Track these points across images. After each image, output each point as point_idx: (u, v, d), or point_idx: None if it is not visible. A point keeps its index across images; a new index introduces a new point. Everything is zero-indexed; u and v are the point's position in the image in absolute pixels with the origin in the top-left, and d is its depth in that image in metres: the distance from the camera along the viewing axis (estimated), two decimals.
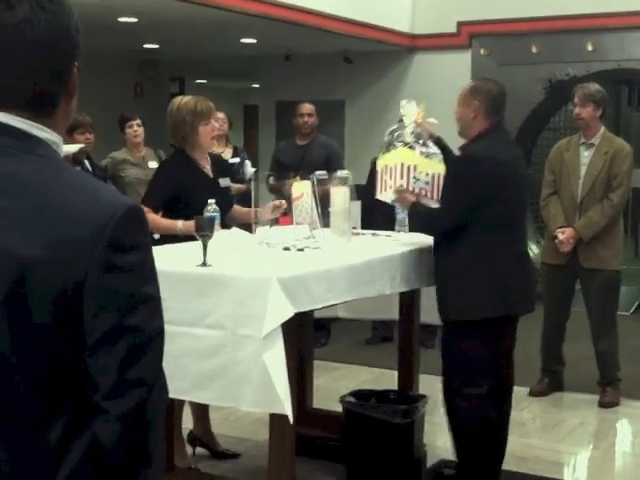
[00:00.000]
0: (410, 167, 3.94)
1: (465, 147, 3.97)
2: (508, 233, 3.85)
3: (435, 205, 3.99)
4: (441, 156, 4.05)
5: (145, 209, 3.98)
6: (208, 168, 4.33)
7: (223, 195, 4.15)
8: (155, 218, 4.01)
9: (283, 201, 4.41)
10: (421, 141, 4.01)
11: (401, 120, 4.11)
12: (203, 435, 4.45)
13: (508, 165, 3.89)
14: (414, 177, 3.94)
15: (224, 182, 4.40)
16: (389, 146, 4.04)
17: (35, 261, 1.27)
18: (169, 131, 4.29)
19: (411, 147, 3.99)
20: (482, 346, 3.80)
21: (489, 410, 3.86)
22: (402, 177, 3.94)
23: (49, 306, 1.27)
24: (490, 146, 3.84)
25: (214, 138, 4.36)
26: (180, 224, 3.96)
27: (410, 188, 3.94)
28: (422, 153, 4.00)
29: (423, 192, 3.98)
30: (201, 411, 4.41)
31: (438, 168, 4.03)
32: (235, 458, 4.44)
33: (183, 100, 4.26)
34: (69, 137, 5.77)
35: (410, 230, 4.19)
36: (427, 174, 3.99)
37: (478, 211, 3.73)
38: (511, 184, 3.87)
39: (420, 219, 3.99)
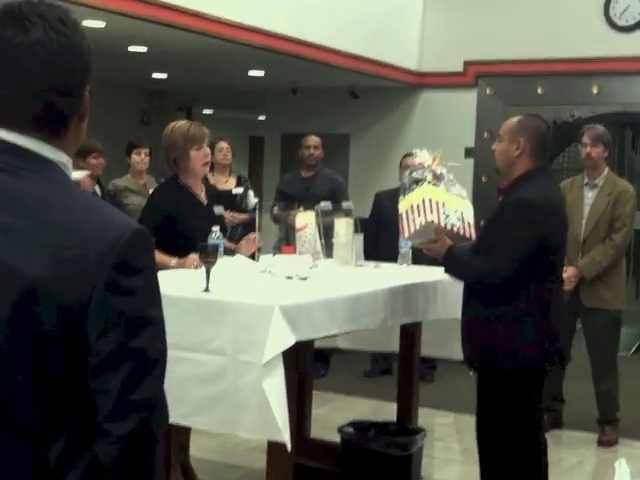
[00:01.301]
0: (438, 203, 3.72)
1: (511, 188, 3.72)
2: (556, 281, 3.73)
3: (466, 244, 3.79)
4: (466, 195, 3.90)
5: None
6: (202, 195, 4.31)
7: (217, 223, 4.12)
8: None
9: (254, 235, 4.32)
10: (444, 180, 3.82)
11: (403, 165, 4.00)
12: (181, 467, 4.25)
13: (561, 208, 3.78)
14: (444, 213, 3.72)
15: (218, 210, 4.40)
16: (411, 186, 3.82)
17: (41, 280, 1.28)
18: (163, 155, 4.27)
19: (435, 185, 3.79)
20: (526, 394, 3.69)
21: (543, 458, 3.78)
22: (432, 212, 3.70)
23: (53, 325, 1.28)
24: (543, 189, 3.63)
25: (206, 164, 4.28)
26: (174, 261, 3.90)
27: (442, 224, 3.70)
28: (449, 191, 3.80)
29: (455, 229, 3.76)
30: (182, 442, 4.27)
31: (465, 206, 3.85)
32: None
33: (177, 124, 4.26)
34: (83, 161, 5.89)
35: (451, 275, 3.84)
36: (456, 211, 3.78)
37: (540, 256, 3.54)
38: (563, 227, 3.77)
39: (463, 265, 3.70)
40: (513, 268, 3.51)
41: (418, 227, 3.71)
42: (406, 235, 3.82)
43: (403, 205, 3.83)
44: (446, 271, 3.79)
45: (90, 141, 5.87)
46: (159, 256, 3.90)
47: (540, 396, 3.77)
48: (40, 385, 1.30)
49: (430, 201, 3.72)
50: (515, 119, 3.80)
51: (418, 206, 3.73)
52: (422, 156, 3.94)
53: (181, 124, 4.25)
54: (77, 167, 5.92)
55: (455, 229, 3.76)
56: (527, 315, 3.57)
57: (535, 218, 3.54)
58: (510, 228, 3.56)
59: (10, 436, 1.31)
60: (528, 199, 3.58)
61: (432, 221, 3.69)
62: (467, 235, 3.80)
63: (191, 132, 4.16)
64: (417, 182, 3.83)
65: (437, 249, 3.71)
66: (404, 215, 3.79)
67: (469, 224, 3.83)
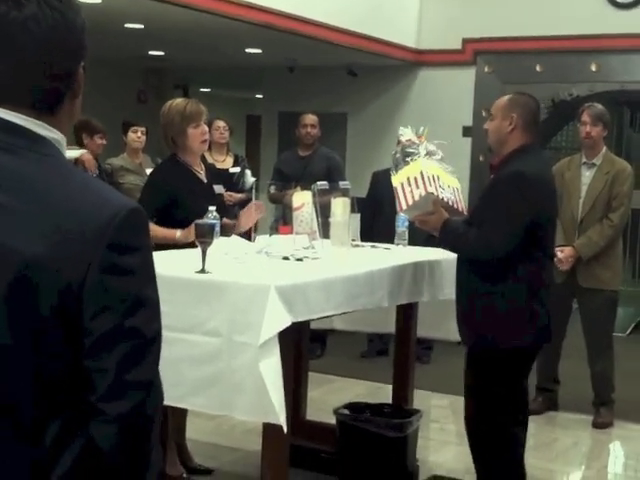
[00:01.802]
0: (434, 176, 3.75)
1: (503, 163, 3.74)
2: (549, 258, 3.75)
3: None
4: (453, 172, 3.93)
5: None
6: (202, 173, 4.29)
7: (217, 201, 4.10)
8: (152, 227, 3.91)
9: (253, 204, 4.30)
10: (436, 156, 3.86)
11: (399, 142, 4.01)
12: (177, 449, 4.26)
13: (552, 182, 3.83)
14: (440, 187, 3.74)
15: (218, 189, 4.37)
16: (405, 160, 3.81)
17: (37, 259, 1.27)
18: (161, 134, 4.25)
19: (429, 160, 3.82)
20: (519, 373, 3.72)
21: (520, 433, 3.76)
22: (431, 185, 3.70)
23: (50, 304, 1.28)
24: (535, 163, 3.68)
25: (205, 142, 4.25)
26: (179, 233, 3.89)
27: (440, 196, 3.72)
28: (440, 167, 3.84)
29: (451, 202, 3.79)
30: (178, 424, 4.28)
31: (455, 183, 3.90)
32: (208, 474, 4.32)
33: (174, 102, 4.22)
34: (89, 139, 5.92)
35: (446, 249, 3.88)
36: (449, 186, 3.82)
37: (531, 231, 3.55)
38: (554, 202, 3.81)
39: (460, 239, 3.68)
40: (508, 243, 3.52)
41: (417, 198, 3.69)
42: (403, 207, 3.78)
43: (397, 179, 3.82)
44: (441, 244, 3.81)
45: (95, 121, 5.95)
46: (163, 231, 3.91)
47: (526, 377, 3.78)
48: (36, 364, 1.29)
49: (426, 174, 3.73)
50: (506, 97, 3.84)
51: (415, 178, 3.72)
52: (407, 134, 3.95)
53: (178, 102, 4.22)
54: (83, 145, 5.91)
55: (451, 202, 3.78)
56: (517, 292, 3.57)
57: (529, 192, 3.55)
58: (505, 201, 3.56)
59: (5, 417, 1.30)
60: (523, 171, 3.59)
61: (432, 193, 3.69)
62: (460, 209, 3.84)
63: (188, 110, 4.13)
64: (409, 156, 3.82)
65: (434, 221, 3.72)
66: (399, 188, 3.77)
67: (460, 199, 3.87)
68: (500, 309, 3.59)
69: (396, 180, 3.83)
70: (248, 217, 4.26)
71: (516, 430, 3.73)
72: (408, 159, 3.82)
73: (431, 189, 3.69)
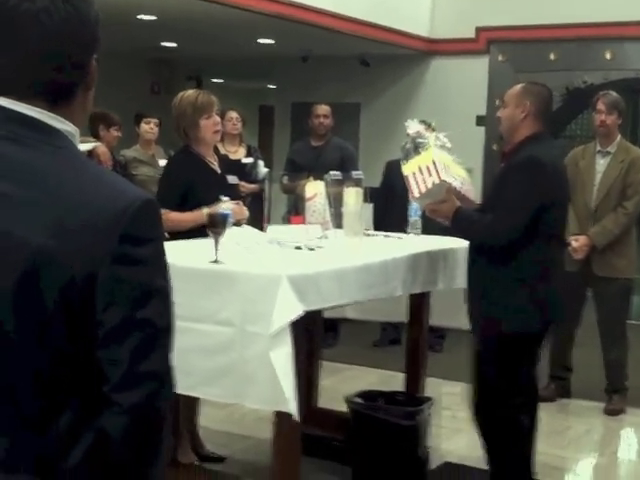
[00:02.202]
0: (445, 166, 3.77)
1: (515, 151, 3.77)
2: (558, 243, 3.79)
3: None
4: (462, 163, 3.96)
5: (164, 211, 3.98)
6: (215, 164, 4.29)
7: (231, 192, 4.11)
8: (178, 215, 3.95)
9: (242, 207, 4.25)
10: (445, 147, 3.88)
11: (408, 135, 4.03)
12: (189, 437, 4.29)
13: (563, 169, 3.86)
14: (452, 176, 3.78)
15: (232, 179, 4.38)
16: (417, 149, 3.86)
17: (48, 250, 1.28)
18: (173, 126, 4.25)
19: (440, 150, 3.85)
20: (526, 358, 3.74)
21: (525, 419, 3.78)
22: (444, 173, 3.72)
23: (59, 295, 1.28)
24: (546, 150, 3.72)
25: (217, 132, 4.25)
26: (205, 210, 3.78)
27: (453, 185, 3.75)
28: (449, 158, 3.88)
29: (463, 192, 3.81)
30: (190, 412, 4.30)
31: (463, 174, 3.93)
32: (220, 462, 4.35)
33: (186, 94, 4.23)
34: (106, 131, 5.95)
35: (458, 236, 3.96)
36: (459, 176, 3.86)
37: (542, 215, 3.58)
38: (565, 189, 3.84)
39: (473, 225, 3.73)
40: (517, 229, 3.56)
41: (430, 186, 3.71)
42: (416, 195, 3.80)
43: (408, 168, 3.84)
44: (453, 231, 3.87)
45: (111, 114, 5.99)
46: (190, 215, 3.90)
47: (534, 364, 3.80)
48: (48, 355, 1.30)
49: (438, 163, 3.75)
50: (519, 85, 3.88)
51: (428, 167, 3.74)
52: (413, 126, 3.98)
53: (189, 93, 4.22)
54: (98, 137, 5.94)
55: (462, 192, 3.81)
56: (525, 276, 3.60)
57: (541, 177, 3.59)
58: (518, 187, 3.59)
59: (16, 408, 1.31)
60: (536, 157, 3.64)
61: (445, 181, 3.71)
62: (470, 199, 3.87)
63: (199, 101, 4.14)
64: (421, 146, 3.86)
65: (446, 209, 3.74)
66: (411, 177, 3.79)
67: (469, 189, 3.90)
68: (507, 293, 3.61)
69: (407, 169, 3.84)
70: (238, 212, 4.17)
71: (523, 416, 3.74)
72: (419, 149, 3.84)
73: (445, 177, 3.72)
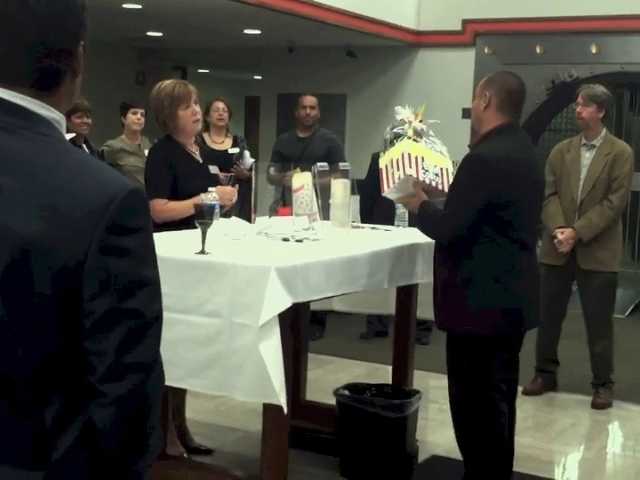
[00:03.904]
0: (417, 158, 3.72)
1: (475, 145, 3.74)
2: (521, 240, 3.59)
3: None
4: (446, 152, 3.90)
5: (162, 201, 3.95)
6: (197, 154, 4.27)
7: (212, 182, 4.08)
8: (177, 204, 3.93)
9: (231, 189, 4.18)
10: (425, 136, 3.84)
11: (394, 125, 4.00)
12: (177, 429, 4.25)
13: (522, 165, 3.60)
14: (423, 168, 3.72)
15: (213, 169, 4.36)
16: (392, 141, 3.85)
17: (35, 239, 1.27)
18: (153, 117, 4.22)
19: (415, 140, 3.80)
20: (489, 358, 3.62)
21: (502, 413, 3.68)
22: (411, 166, 3.70)
23: (48, 285, 1.27)
24: (502, 145, 3.56)
25: (197, 122, 4.20)
26: (202, 195, 3.67)
27: (420, 178, 3.71)
28: (428, 146, 3.81)
29: (434, 184, 3.76)
30: (178, 404, 4.28)
31: (445, 163, 3.85)
32: (208, 454, 4.32)
33: (162, 85, 4.19)
34: (67, 120, 5.79)
35: (420, 231, 3.85)
36: (435, 166, 3.78)
37: (491, 214, 3.48)
38: (526, 186, 3.59)
39: (428, 220, 3.69)
40: (460, 226, 3.50)
41: (397, 180, 3.72)
42: (385, 189, 3.82)
43: (383, 160, 3.84)
44: (418, 227, 3.79)
45: (76, 99, 5.80)
46: (188, 202, 3.76)
47: (501, 361, 3.67)
48: (33, 345, 1.29)
49: (409, 155, 3.73)
50: (487, 76, 3.78)
51: (397, 160, 3.74)
52: (404, 113, 3.93)
53: (166, 84, 4.19)
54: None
55: (434, 184, 3.76)
56: (474, 277, 3.52)
57: (484, 172, 3.48)
58: (461, 184, 3.56)
59: (4, 398, 1.30)
60: (478, 155, 3.56)
61: (410, 175, 3.69)
62: (445, 190, 3.79)
63: (176, 92, 4.11)
64: (397, 137, 3.83)
65: (413, 203, 3.73)
66: (384, 170, 3.80)
67: (448, 180, 3.81)
68: (457, 294, 3.57)
69: (382, 162, 3.86)
70: (222, 193, 4.12)
71: (499, 409, 3.66)
72: (395, 141, 3.83)
73: (410, 171, 3.69)
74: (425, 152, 3.78)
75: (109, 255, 1.29)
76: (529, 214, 3.67)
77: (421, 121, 3.92)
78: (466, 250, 3.54)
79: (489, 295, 3.53)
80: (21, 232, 1.26)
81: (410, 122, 3.88)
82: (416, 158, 3.72)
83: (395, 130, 3.88)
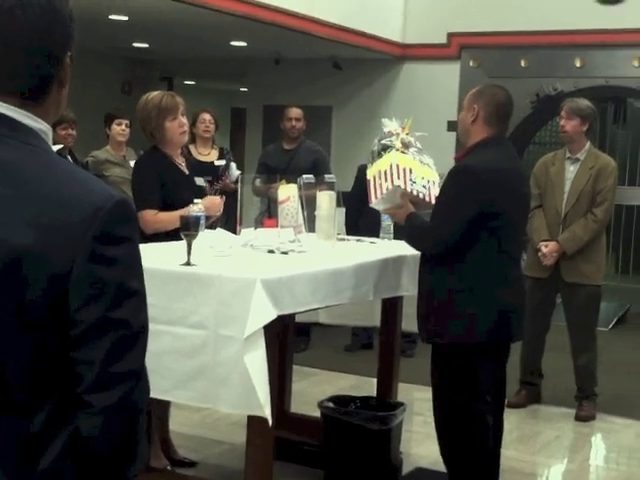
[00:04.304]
0: (405, 169, 3.73)
1: (461, 157, 3.73)
2: (508, 252, 3.60)
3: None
4: (433, 164, 3.90)
5: (153, 212, 3.94)
6: (183, 165, 4.27)
7: (198, 193, 4.08)
8: (168, 215, 3.89)
9: (219, 200, 4.25)
10: (413, 148, 3.86)
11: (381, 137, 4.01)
12: (161, 442, 4.24)
13: (509, 176, 3.61)
14: (411, 179, 3.73)
15: (199, 181, 4.37)
16: (380, 153, 3.84)
17: (25, 249, 1.27)
18: (140, 128, 4.22)
19: (403, 152, 3.81)
20: (479, 367, 3.60)
21: (487, 425, 3.68)
22: (399, 178, 3.71)
23: (38, 294, 1.27)
24: (489, 157, 3.57)
25: (184, 133, 4.20)
26: (195, 207, 3.75)
27: (408, 190, 3.72)
28: (415, 159, 3.83)
29: (421, 195, 3.77)
30: (162, 416, 4.27)
31: (432, 175, 3.86)
32: (192, 467, 4.29)
33: (150, 96, 4.19)
34: (53, 132, 5.78)
35: (407, 242, 3.83)
36: (422, 178, 3.79)
37: (481, 224, 3.48)
38: (514, 197, 3.60)
39: (414, 232, 3.69)
40: (449, 238, 3.50)
41: (385, 192, 3.73)
42: (373, 200, 3.82)
43: (371, 172, 3.85)
44: (405, 239, 3.79)
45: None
46: (177, 212, 3.72)
47: (490, 373, 3.66)
48: (22, 355, 1.29)
49: (397, 167, 3.73)
50: (475, 88, 3.79)
51: (385, 172, 3.75)
52: (391, 125, 3.94)
53: (154, 96, 4.19)
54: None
55: (421, 195, 3.77)
56: (462, 288, 3.52)
57: (474, 186, 3.48)
58: (448, 196, 3.56)
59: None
60: (467, 166, 3.56)
61: (398, 186, 3.70)
62: (433, 202, 3.79)
63: (164, 103, 4.11)
64: (385, 149, 3.84)
65: (400, 215, 3.74)
66: (372, 181, 3.81)
67: (435, 192, 3.81)
68: (443, 304, 3.56)
69: (370, 173, 3.87)
70: (209, 205, 4.13)
71: (484, 421, 3.65)
72: (382, 152, 3.84)
73: (398, 182, 3.71)
74: (413, 164, 3.79)
75: (96, 264, 1.29)
76: (516, 225, 3.69)
77: (408, 134, 3.93)
78: (454, 260, 3.54)
79: (475, 305, 3.53)
80: (11, 242, 1.26)
81: (398, 134, 3.88)
82: (404, 170, 3.73)
83: (383, 142, 3.88)
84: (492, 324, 3.57)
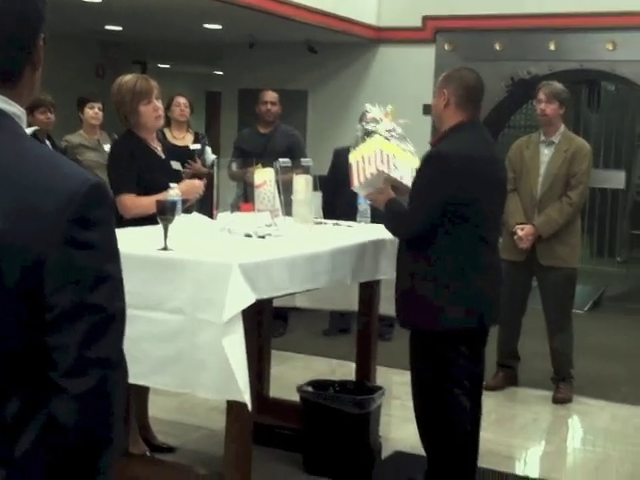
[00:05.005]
0: (389, 155, 3.74)
1: (436, 142, 3.73)
2: (482, 236, 3.59)
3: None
4: (414, 151, 3.90)
5: (131, 196, 3.90)
6: (159, 149, 4.24)
7: (174, 177, 4.04)
8: (147, 199, 3.78)
9: (199, 182, 4.23)
10: (395, 134, 3.84)
11: (362, 119, 4.00)
12: (140, 427, 4.20)
13: (483, 162, 3.61)
14: (394, 165, 3.73)
15: (175, 165, 4.33)
16: (364, 137, 3.83)
17: (1, 233, 1.25)
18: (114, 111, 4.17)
19: (387, 139, 3.80)
20: (455, 351, 3.59)
21: (464, 407, 3.67)
22: (383, 163, 3.72)
23: (11, 279, 1.26)
24: (463, 142, 3.57)
25: (158, 117, 4.16)
26: (171, 191, 3.70)
27: (392, 175, 3.73)
28: (398, 145, 3.82)
29: (404, 182, 3.76)
30: (140, 402, 4.26)
31: (414, 162, 3.85)
32: (171, 452, 4.29)
33: (124, 79, 4.14)
34: (30, 116, 5.72)
35: (385, 228, 3.82)
36: (404, 164, 3.79)
37: (452, 210, 3.48)
38: (487, 183, 3.59)
39: (394, 218, 3.70)
40: (421, 223, 3.52)
41: (369, 176, 3.74)
42: (355, 184, 3.83)
43: (354, 156, 3.85)
44: (384, 224, 3.79)
45: (40, 95, 5.72)
46: (153, 198, 3.68)
47: (466, 357, 3.65)
48: (3, 336, 1.27)
49: (382, 152, 3.74)
50: (444, 72, 3.79)
51: (369, 157, 3.75)
52: (374, 112, 3.93)
53: (127, 79, 4.14)
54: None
55: (404, 182, 3.77)
56: (436, 274, 3.52)
57: (445, 169, 3.48)
58: (421, 181, 3.58)
59: None
60: (439, 152, 3.56)
61: (382, 171, 3.71)
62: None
63: (138, 87, 4.07)
64: (369, 134, 3.83)
65: (381, 200, 3.74)
66: (354, 165, 3.81)
67: None
68: (419, 290, 3.57)
69: (352, 157, 3.87)
70: (188, 188, 4.11)
71: (460, 403, 3.65)
72: (365, 137, 3.83)
73: (382, 167, 3.71)
74: (396, 150, 3.80)
75: (72, 249, 1.28)
76: (490, 211, 3.68)
77: (392, 120, 3.93)
78: (428, 246, 3.54)
79: (450, 291, 3.53)
80: None
81: (381, 120, 3.87)
82: (387, 156, 3.74)
83: (367, 127, 3.87)
84: (459, 313, 3.55)
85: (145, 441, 4.18)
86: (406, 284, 3.65)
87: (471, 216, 3.54)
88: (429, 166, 3.56)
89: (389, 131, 3.85)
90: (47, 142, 5.65)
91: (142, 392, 4.16)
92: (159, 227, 3.28)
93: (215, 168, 5.05)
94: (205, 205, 4.78)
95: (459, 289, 3.54)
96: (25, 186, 1.28)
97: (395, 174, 3.75)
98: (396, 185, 3.77)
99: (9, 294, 1.26)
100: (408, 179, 3.80)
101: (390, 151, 3.78)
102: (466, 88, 3.65)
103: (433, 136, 8.78)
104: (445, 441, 3.69)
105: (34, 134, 4.67)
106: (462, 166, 3.50)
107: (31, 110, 5.67)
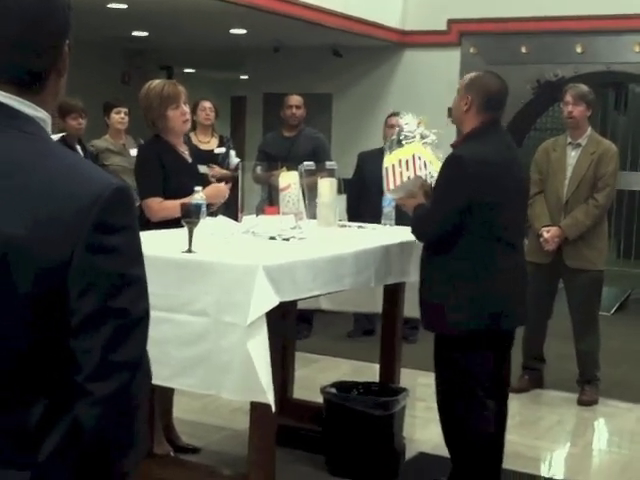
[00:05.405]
0: (426, 162, 3.77)
1: (457, 145, 3.73)
2: (504, 239, 3.60)
3: None
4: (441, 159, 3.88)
5: (158, 200, 3.94)
6: (187, 153, 4.27)
7: (201, 181, 4.07)
8: (174, 203, 3.74)
9: (224, 186, 4.26)
10: (431, 142, 3.86)
11: (392, 126, 4.01)
12: (164, 428, 4.24)
13: (501, 167, 3.61)
14: (429, 172, 3.76)
15: (202, 169, 4.37)
16: (400, 142, 3.84)
17: (19, 239, 1.26)
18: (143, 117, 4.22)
19: (424, 145, 3.83)
20: (479, 354, 3.61)
21: (488, 409, 3.68)
22: (421, 169, 3.74)
23: (32, 285, 1.26)
24: (481, 147, 3.58)
25: (186, 122, 4.20)
26: (196, 195, 3.69)
27: (428, 182, 3.75)
28: (433, 153, 3.85)
29: None
30: (165, 403, 4.29)
31: None
32: (195, 453, 4.32)
33: (152, 85, 4.18)
34: (62, 121, 5.82)
35: (411, 232, 3.82)
36: (437, 172, 3.77)
37: (473, 214, 3.49)
38: (506, 187, 3.60)
39: (414, 222, 3.73)
40: (441, 226, 3.54)
41: (405, 180, 3.76)
42: (390, 187, 3.84)
43: (389, 160, 3.86)
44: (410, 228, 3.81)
45: (71, 101, 5.81)
46: (174, 203, 3.70)
47: (490, 360, 3.66)
48: (19, 345, 1.28)
49: (420, 158, 3.77)
50: (468, 76, 3.79)
51: (407, 161, 3.77)
52: (407, 119, 3.95)
53: (155, 84, 4.18)
54: (56, 128, 5.85)
55: None
56: (456, 276, 3.53)
57: (462, 174, 3.49)
58: (441, 185, 3.60)
59: None
60: (457, 157, 3.56)
61: (420, 177, 3.74)
62: None
63: (165, 92, 4.10)
64: (406, 139, 3.85)
65: (410, 204, 3.77)
66: (390, 169, 3.82)
67: None
68: (436, 294, 3.59)
69: (388, 161, 3.88)
70: (213, 193, 4.15)
71: (484, 405, 3.66)
72: (403, 142, 3.84)
73: (420, 173, 3.74)
74: (431, 158, 3.83)
75: (96, 253, 1.28)
76: (511, 214, 3.68)
77: (424, 125, 3.95)
78: (450, 249, 3.56)
79: (467, 295, 3.53)
80: (4, 232, 1.26)
81: (418, 125, 3.90)
82: (425, 162, 3.77)
83: (403, 132, 3.88)
84: (486, 314, 3.56)
85: (169, 442, 4.21)
86: (425, 288, 3.68)
87: (491, 219, 3.55)
88: (447, 169, 3.59)
89: (423, 137, 3.88)
90: (78, 147, 5.73)
91: (167, 393, 4.19)
92: (184, 230, 3.31)
93: (240, 172, 5.09)
94: (230, 208, 4.81)
95: (476, 293, 3.54)
96: (49, 190, 1.28)
97: (431, 181, 3.78)
98: (429, 192, 3.78)
99: (27, 298, 1.27)
100: None
101: (426, 158, 3.81)
102: (490, 93, 3.66)
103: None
104: (469, 443, 3.69)
105: (62, 139, 4.75)
106: (478, 171, 3.51)
107: (63, 116, 5.78)
